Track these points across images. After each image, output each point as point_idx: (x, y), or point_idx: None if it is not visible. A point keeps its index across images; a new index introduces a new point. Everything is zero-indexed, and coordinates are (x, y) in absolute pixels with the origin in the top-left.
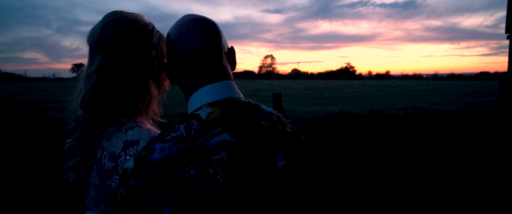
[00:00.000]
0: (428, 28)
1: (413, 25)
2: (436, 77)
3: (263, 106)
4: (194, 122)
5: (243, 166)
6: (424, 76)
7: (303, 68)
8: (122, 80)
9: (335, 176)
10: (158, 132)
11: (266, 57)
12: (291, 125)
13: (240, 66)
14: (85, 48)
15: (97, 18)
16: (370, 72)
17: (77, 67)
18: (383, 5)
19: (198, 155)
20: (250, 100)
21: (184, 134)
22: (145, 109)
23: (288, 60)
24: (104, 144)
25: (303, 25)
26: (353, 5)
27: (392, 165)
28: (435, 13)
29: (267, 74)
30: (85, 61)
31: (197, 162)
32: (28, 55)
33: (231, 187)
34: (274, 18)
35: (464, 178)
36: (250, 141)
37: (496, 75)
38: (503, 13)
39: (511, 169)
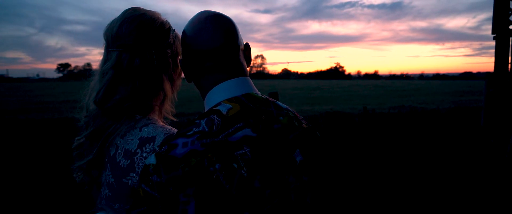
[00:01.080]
0: (414, 29)
1: (400, 26)
2: (422, 77)
3: (279, 102)
4: (215, 117)
5: (265, 161)
6: (411, 76)
7: (293, 68)
8: (138, 77)
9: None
10: (172, 129)
11: (257, 57)
12: (306, 121)
13: None
14: (71, 48)
15: (83, 17)
16: (359, 72)
17: (62, 67)
18: (371, 6)
19: (222, 149)
20: (267, 97)
21: (206, 129)
22: (159, 107)
23: (278, 60)
24: (118, 142)
25: (293, 25)
26: (342, 5)
27: (389, 161)
28: (421, 14)
29: (258, 74)
30: (71, 61)
31: (221, 157)
32: (10, 54)
33: (254, 182)
34: (264, 18)
35: (454, 173)
36: (271, 136)
37: (479, 75)
38: (485, 15)
39: (498, 163)
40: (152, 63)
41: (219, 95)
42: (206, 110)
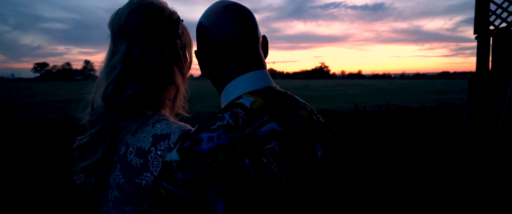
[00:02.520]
0: (395, 30)
1: (382, 27)
2: (403, 77)
3: (297, 96)
4: (239, 110)
5: (291, 155)
6: (393, 75)
7: (279, 68)
8: (150, 71)
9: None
10: (186, 125)
11: None
12: (321, 115)
13: None
14: (48, 47)
15: (61, 14)
16: (343, 72)
17: (39, 66)
18: (354, 7)
19: (250, 144)
20: (286, 90)
21: (232, 123)
22: (172, 102)
23: None
24: (129, 139)
25: (278, 25)
26: (326, 6)
27: (380, 157)
28: (401, 16)
29: None
30: (49, 60)
31: (250, 152)
32: None
33: (282, 177)
34: None
35: (443, 166)
36: (295, 130)
37: (455, 74)
38: (460, 17)
39: (481, 156)
40: (164, 55)
41: (240, 88)
42: (224, 103)
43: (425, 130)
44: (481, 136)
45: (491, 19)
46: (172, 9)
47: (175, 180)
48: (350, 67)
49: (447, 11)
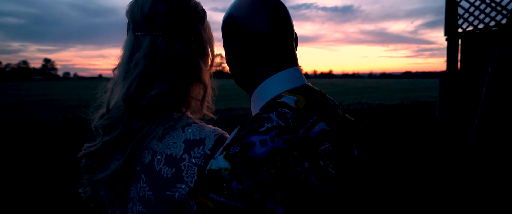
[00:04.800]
0: (363, 32)
1: (351, 28)
2: (371, 76)
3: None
4: (285, 110)
5: (340, 156)
6: (361, 75)
7: None
8: (178, 67)
9: None
10: (217, 128)
11: (216, 56)
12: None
13: None
14: (1, 43)
15: (16, 8)
16: (315, 72)
17: None
18: (324, 9)
19: (306, 146)
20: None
21: (282, 124)
22: (200, 102)
23: None
24: (155, 146)
25: None
26: (298, 7)
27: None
28: (368, 18)
29: (217, 73)
30: (1, 58)
31: (308, 155)
32: None
33: (340, 179)
34: (222, 17)
35: (415, 158)
36: (339, 129)
37: (417, 74)
38: (420, 21)
39: (451, 148)
40: (191, 50)
41: (277, 86)
42: (259, 102)
43: (403, 126)
44: (453, 130)
45: (460, 22)
46: None
47: (229, 190)
48: (322, 67)
49: (409, 15)
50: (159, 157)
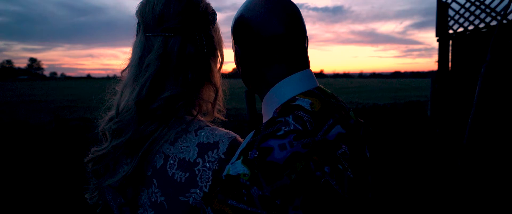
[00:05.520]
0: (353, 32)
1: (342, 28)
2: (361, 76)
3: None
4: (302, 113)
5: (357, 159)
6: (352, 75)
7: None
8: (190, 69)
9: None
10: (230, 132)
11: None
12: None
13: None
14: None
15: (2, 6)
16: None
17: None
18: (315, 9)
19: (325, 150)
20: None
21: (300, 128)
22: (212, 104)
23: (228, 59)
24: (166, 150)
25: None
26: None
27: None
28: (358, 18)
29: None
30: None
31: (327, 159)
32: None
33: (358, 183)
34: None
35: (411, 156)
36: (353, 132)
37: (406, 74)
38: (409, 22)
39: (442, 146)
40: (203, 51)
41: (290, 88)
42: (272, 105)
43: (397, 125)
44: (445, 129)
45: (451, 24)
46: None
47: (249, 197)
48: (313, 67)
49: (398, 16)
50: (171, 161)
